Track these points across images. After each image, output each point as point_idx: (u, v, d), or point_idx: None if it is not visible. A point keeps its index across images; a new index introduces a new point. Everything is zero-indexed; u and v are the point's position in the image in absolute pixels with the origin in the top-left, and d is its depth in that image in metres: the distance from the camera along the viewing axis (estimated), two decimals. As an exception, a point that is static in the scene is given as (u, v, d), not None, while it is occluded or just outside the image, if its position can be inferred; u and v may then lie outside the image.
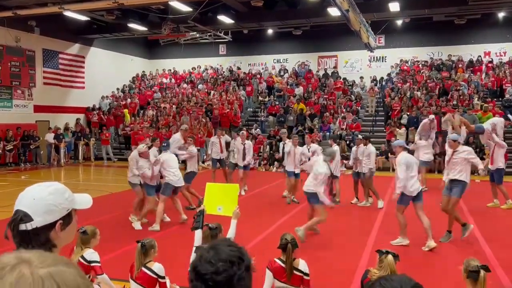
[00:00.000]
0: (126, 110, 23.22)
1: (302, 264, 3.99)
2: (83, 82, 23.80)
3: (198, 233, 3.75)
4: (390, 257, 3.46)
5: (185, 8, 17.87)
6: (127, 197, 9.90)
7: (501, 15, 20.67)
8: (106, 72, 24.94)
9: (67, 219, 1.52)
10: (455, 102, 18.98)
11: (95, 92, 24.06)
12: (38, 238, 1.43)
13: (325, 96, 22.21)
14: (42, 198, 1.46)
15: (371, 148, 10.23)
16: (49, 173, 17.30)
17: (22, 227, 1.42)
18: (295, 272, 3.94)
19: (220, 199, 4.20)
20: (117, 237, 7.42)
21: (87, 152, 21.32)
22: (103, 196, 11.38)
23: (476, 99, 18.85)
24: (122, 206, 9.74)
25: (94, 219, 7.09)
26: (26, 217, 1.42)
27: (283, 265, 3.96)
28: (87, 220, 6.20)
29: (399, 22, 21.96)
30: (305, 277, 3.97)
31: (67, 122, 21.75)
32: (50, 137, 19.67)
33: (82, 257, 4.16)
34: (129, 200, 9.24)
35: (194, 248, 3.56)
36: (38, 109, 20.95)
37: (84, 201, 1.63)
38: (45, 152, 19.90)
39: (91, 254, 4.19)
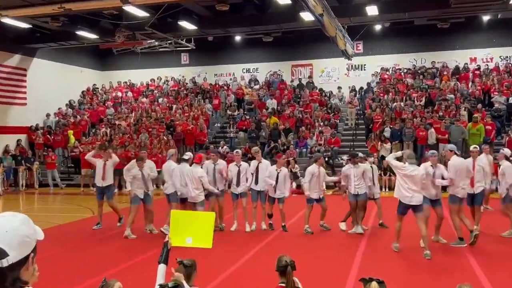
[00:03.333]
0: (70, 132, 22.62)
1: (297, 282, 4.14)
2: (25, 98, 23.39)
3: (161, 269, 3.68)
4: (374, 284, 3.57)
5: (141, 14, 17.89)
6: (78, 229, 9.76)
7: (486, 18, 21.53)
8: (52, 86, 24.59)
9: (35, 251, 1.51)
10: (441, 113, 19.50)
11: (39, 109, 23.66)
12: (12, 275, 1.39)
13: (300, 108, 22.54)
14: (14, 229, 1.43)
15: (366, 166, 10.30)
16: (-15, 204, 16.80)
17: None
18: None
19: (190, 229, 4.08)
20: (67, 274, 7.30)
21: (30, 178, 20.80)
22: (50, 229, 11.11)
23: (463, 109, 19.43)
24: (72, 239, 9.58)
25: (40, 255, 6.95)
26: (2, 253, 1.38)
27: None
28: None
29: (378, 27, 22.62)
30: None
31: (7, 144, 21.26)
32: (-15, 162, 19.18)
33: None
34: (80, 232, 9.11)
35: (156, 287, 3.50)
36: (-29, 129, 20.45)
37: (39, 231, 1.62)
38: (-21, 179, 19.35)
39: None
